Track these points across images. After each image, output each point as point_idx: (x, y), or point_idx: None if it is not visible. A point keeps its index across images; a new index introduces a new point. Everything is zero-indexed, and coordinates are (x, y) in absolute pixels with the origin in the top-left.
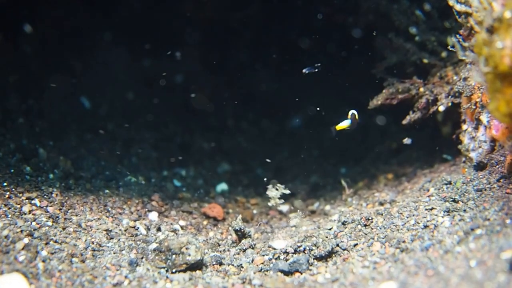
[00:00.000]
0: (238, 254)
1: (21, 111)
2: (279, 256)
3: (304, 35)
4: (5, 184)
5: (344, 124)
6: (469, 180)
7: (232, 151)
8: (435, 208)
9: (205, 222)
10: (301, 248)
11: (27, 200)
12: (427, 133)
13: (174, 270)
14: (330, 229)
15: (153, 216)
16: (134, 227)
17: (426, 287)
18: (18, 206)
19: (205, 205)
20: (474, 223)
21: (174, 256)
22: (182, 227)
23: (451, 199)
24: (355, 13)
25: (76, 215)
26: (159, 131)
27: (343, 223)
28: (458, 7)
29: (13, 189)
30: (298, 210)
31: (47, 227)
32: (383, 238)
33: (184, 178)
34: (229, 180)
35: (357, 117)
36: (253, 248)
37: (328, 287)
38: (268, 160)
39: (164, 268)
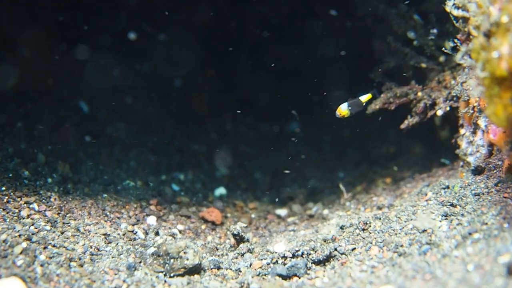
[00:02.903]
0: (236, 258)
1: (20, 115)
2: (277, 260)
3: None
4: (3, 188)
5: (364, 98)
6: (467, 184)
7: (231, 155)
8: (433, 212)
9: (203, 227)
10: (299, 252)
11: (25, 205)
12: (425, 137)
13: (172, 274)
14: (328, 233)
15: (152, 220)
16: (132, 231)
17: None
18: (17, 210)
19: (204, 209)
20: (472, 227)
21: (172, 260)
22: (180, 231)
23: (449, 204)
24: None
25: (75, 219)
26: (158, 135)
27: (341, 227)
28: (456, 12)
29: (12, 194)
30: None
31: (45, 232)
32: (381, 242)
33: (182, 182)
34: (228, 184)
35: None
36: (251, 253)
37: None
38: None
39: (162, 272)
